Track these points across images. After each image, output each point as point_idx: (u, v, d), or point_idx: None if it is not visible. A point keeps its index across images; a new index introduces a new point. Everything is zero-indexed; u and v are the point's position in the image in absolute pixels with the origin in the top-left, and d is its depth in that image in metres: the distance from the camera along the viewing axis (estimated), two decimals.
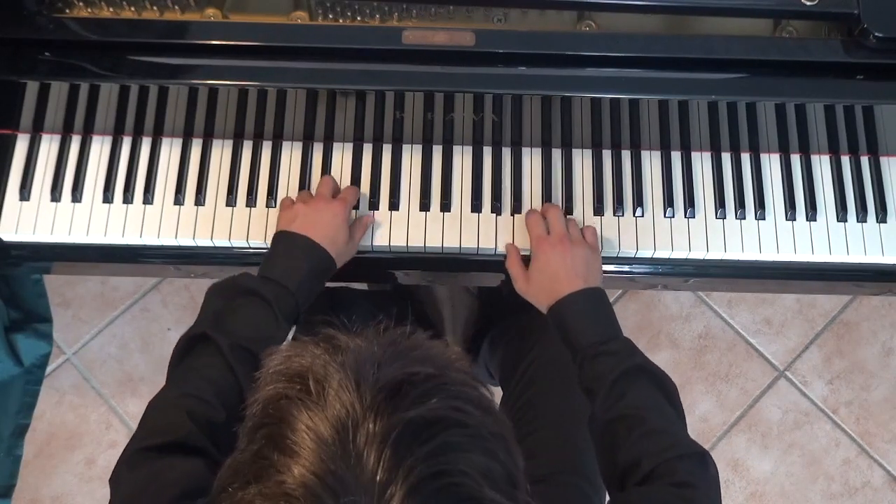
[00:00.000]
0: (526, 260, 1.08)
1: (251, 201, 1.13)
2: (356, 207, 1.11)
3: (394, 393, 0.55)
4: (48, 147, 1.15)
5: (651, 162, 1.15)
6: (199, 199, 1.13)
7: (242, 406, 0.61)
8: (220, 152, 1.15)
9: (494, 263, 1.13)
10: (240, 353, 0.89)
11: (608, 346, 0.96)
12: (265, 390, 0.59)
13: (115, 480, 0.81)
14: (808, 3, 1.02)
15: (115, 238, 1.12)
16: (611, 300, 1.79)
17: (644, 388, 0.93)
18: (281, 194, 1.13)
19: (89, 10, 1.07)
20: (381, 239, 1.12)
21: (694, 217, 1.14)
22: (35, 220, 1.12)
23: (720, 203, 1.14)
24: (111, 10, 1.07)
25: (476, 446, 0.56)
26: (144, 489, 0.76)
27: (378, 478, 0.52)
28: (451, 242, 1.12)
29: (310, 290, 1.01)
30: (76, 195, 1.13)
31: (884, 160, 1.16)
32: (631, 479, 0.85)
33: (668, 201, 1.13)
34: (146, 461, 0.79)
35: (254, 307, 0.94)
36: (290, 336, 1.01)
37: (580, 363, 0.97)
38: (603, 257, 1.13)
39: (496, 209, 1.13)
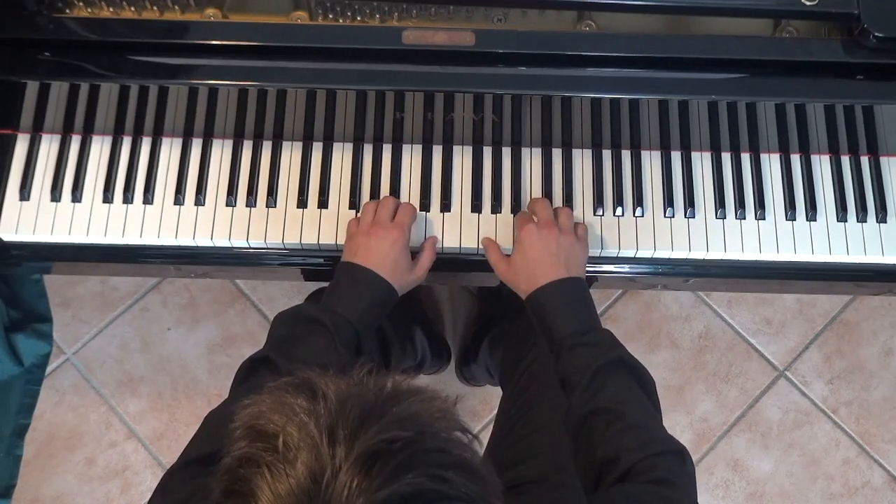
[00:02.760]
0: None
1: (251, 201, 1.13)
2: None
3: (369, 465, 0.52)
4: (48, 147, 1.15)
5: (651, 162, 1.15)
6: (199, 199, 1.13)
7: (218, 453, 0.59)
8: (220, 152, 1.15)
9: None
10: None
11: (588, 337, 0.95)
12: (237, 445, 0.56)
13: (163, 488, 0.81)
14: (808, 3, 1.02)
15: (115, 238, 1.12)
16: (611, 300, 1.81)
17: (623, 381, 0.92)
18: (281, 194, 1.13)
19: (89, 10, 1.07)
20: None
21: (694, 217, 1.14)
22: (35, 220, 1.12)
23: (720, 203, 1.14)
24: (111, 10, 1.07)
25: None
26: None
27: None
28: (451, 242, 1.12)
29: (371, 321, 1.02)
30: (76, 195, 1.13)
31: (884, 160, 1.16)
32: (609, 476, 0.84)
33: (668, 201, 1.13)
34: (193, 476, 0.79)
35: (315, 335, 0.96)
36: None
37: (557, 353, 0.96)
38: (603, 257, 1.13)
39: (496, 209, 1.13)
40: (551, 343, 0.97)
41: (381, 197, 1.12)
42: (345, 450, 0.52)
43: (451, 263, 1.14)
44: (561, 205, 1.13)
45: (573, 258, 1.02)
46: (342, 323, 0.98)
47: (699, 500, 0.84)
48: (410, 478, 0.52)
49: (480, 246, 1.11)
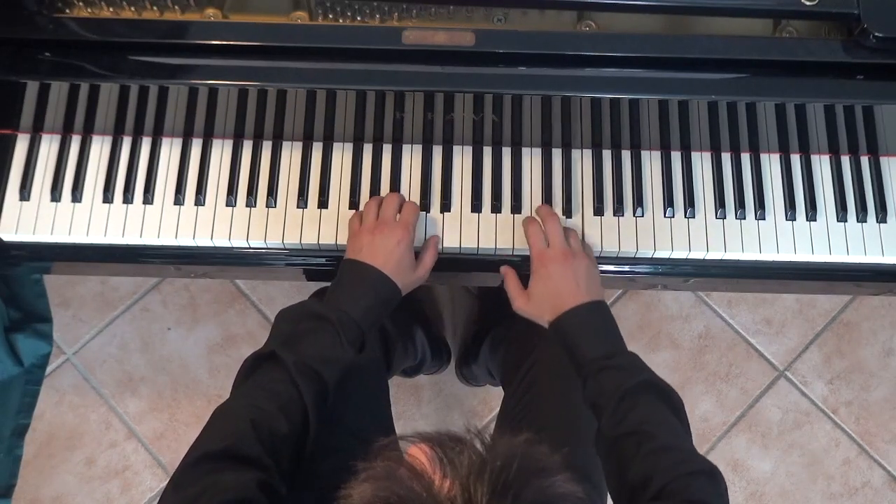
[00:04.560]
0: (524, 279, 1.08)
1: (251, 201, 1.13)
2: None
3: None
4: (48, 147, 1.15)
5: (651, 162, 1.15)
6: (199, 200, 1.13)
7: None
8: (220, 152, 1.15)
9: (494, 263, 1.13)
10: (304, 370, 0.91)
11: (614, 360, 0.96)
12: None
13: (175, 484, 0.81)
14: (808, 3, 1.02)
15: (115, 238, 1.12)
16: (611, 300, 1.81)
17: (652, 403, 0.92)
18: (281, 194, 1.13)
19: (89, 10, 1.07)
20: None
21: (694, 217, 1.14)
22: (35, 220, 1.12)
23: (720, 203, 1.14)
24: (111, 10, 1.07)
25: None
26: (194, 501, 0.77)
27: None
28: (451, 242, 1.12)
29: (375, 320, 1.02)
30: (76, 195, 1.13)
31: (884, 160, 1.16)
32: (642, 497, 0.84)
33: (668, 201, 1.13)
34: (206, 473, 0.80)
35: (321, 332, 0.96)
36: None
37: (584, 378, 0.96)
38: (603, 257, 1.13)
39: (496, 209, 1.13)
40: (579, 368, 0.98)
41: (385, 194, 1.12)
42: None
43: (451, 263, 1.14)
44: (561, 205, 1.13)
45: (591, 280, 1.03)
46: (347, 320, 0.98)
47: None
48: None
49: (481, 246, 1.11)
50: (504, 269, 1.10)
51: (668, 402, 0.94)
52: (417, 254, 1.08)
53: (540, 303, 1.03)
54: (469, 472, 0.56)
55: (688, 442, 0.92)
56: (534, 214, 1.11)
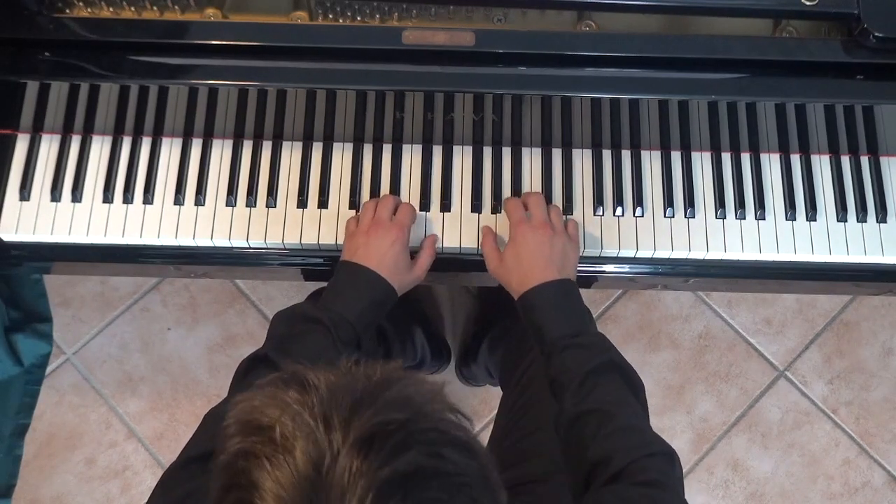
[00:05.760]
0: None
1: (251, 201, 1.13)
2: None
3: (367, 449, 0.52)
4: (48, 147, 1.15)
5: (651, 162, 1.15)
6: (199, 200, 1.13)
7: (211, 451, 0.59)
8: (220, 152, 1.15)
9: None
10: None
11: (580, 339, 0.96)
12: (232, 442, 0.56)
13: (163, 486, 0.82)
14: (808, 3, 1.02)
15: (115, 238, 1.12)
16: (611, 300, 1.81)
17: (615, 383, 0.92)
18: (281, 194, 1.13)
19: (89, 10, 1.07)
20: None
21: (694, 217, 1.14)
22: (35, 220, 1.12)
23: (720, 203, 1.14)
24: (111, 10, 1.07)
25: (457, 496, 0.54)
26: (182, 502, 0.77)
27: None
28: (451, 242, 1.12)
29: (370, 320, 1.02)
30: (76, 195, 1.13)
31: (884, 160, 1.16)
32: (600, 476, 0.84)
33: (668, 201, 1.13)
34: (193, 475, 0.80)
35: (315, 333, 0.97)
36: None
37: (548, 354, 0.96)
38: (603, 257, 1.13)
39: (496, 209, 1.13)
40: (542, 344, 0.98)
41: (382, 195, 1.12)
42: (341, 435, 0.53)
43: (451, 263, 1.14)
44: (561, 205, 1.13)
45: (566, 260, 1.03)
46: (341, 322, 0.98)
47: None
48: (409, 456, 0.52)
49: (481, 245, 1.11)
50: (485, 227, 1.10)
51: (630, 383, 0.94)
52: (415, 254, 1.08)
53: (509, 268, 1.03)
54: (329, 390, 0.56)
55: (647, 424, 0.92)
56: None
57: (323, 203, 1.13)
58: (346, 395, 0.55)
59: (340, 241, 1.11)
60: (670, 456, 0.86)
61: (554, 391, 0.95)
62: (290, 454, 0.52)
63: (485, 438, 1.26)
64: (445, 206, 1.13)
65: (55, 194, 1.13)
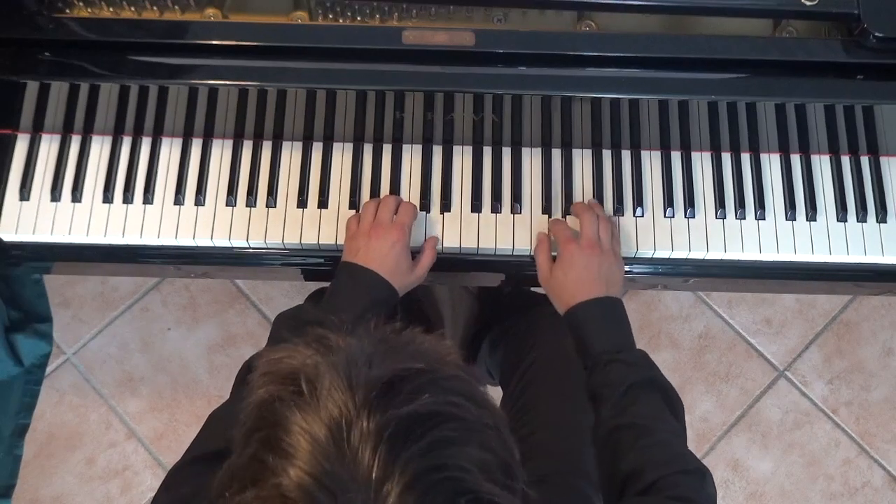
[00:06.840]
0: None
1: (251, 201, 1.13)
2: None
3: (386, 390, 0.55)
4: (48, 147, 1.15)
5: (651, 162, 1.15)
6: (199, 199, 1.13)
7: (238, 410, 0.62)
8: (220, 152, 1.15)
9: (494, 263, 1.13)
10: None
11: (623, 355, 0.97)
12: (257, 393, 0.59)
13: (167, 485, 0.82)
14: (808, 3, 1.02)
15: (115, 238, 1.12)
16: None
17: (654, 400, 0.93)
18: (281, 194, 1.13)
19: (89, 10, 1.07)
20: None
21: (694, 217, 1.14)
22: (35, 220, 1.12)
23: (720, 203, 1.14)
24: (111, 10, 1.07)
25: (471, 439, 0.56)
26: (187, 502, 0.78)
27: (374, 475, 0.52)
28: (452, 242, 1.12)
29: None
30: (76, 195, 1.13)
31: (884, 160, 1.16)
32: (632, 488, 0.85)
33: (668, 201, 1.13)
34: (198, 474, 0.80)
35: None
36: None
37: (591, 368, 0.97)
38: None
39: (496, 209, 1.13)
40: (587, 358, 0.99)
41: (382, 196, 1.12)
42: (364, 380, 0.56)
43: (451, 263, 1.14)
44: (561, 205, 1.13)
45: (612, 277, 1.04)
46: (342, 325, 0.98)
47: None
48: (425, 399, 0.55)
49: (481, 246, 1.11)
50: (540, 234, 1.10)
51: (670, 402, 0.95)
52: (416, 254, 1.08)
53: (559, 286, 1.04)
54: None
55: (683, 442, 0.93)
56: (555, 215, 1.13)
57: (323, 203, 1.13)
58: (368, 347, 0.59)
59: (340, 241, 1.11)
60: (703, 474, 0.87)
61: (593, 403, 0.96)
62: (315, 397, 0.55)
63: None
64: (445, 207, 1.13)
65: (55, 194, 1.13)
